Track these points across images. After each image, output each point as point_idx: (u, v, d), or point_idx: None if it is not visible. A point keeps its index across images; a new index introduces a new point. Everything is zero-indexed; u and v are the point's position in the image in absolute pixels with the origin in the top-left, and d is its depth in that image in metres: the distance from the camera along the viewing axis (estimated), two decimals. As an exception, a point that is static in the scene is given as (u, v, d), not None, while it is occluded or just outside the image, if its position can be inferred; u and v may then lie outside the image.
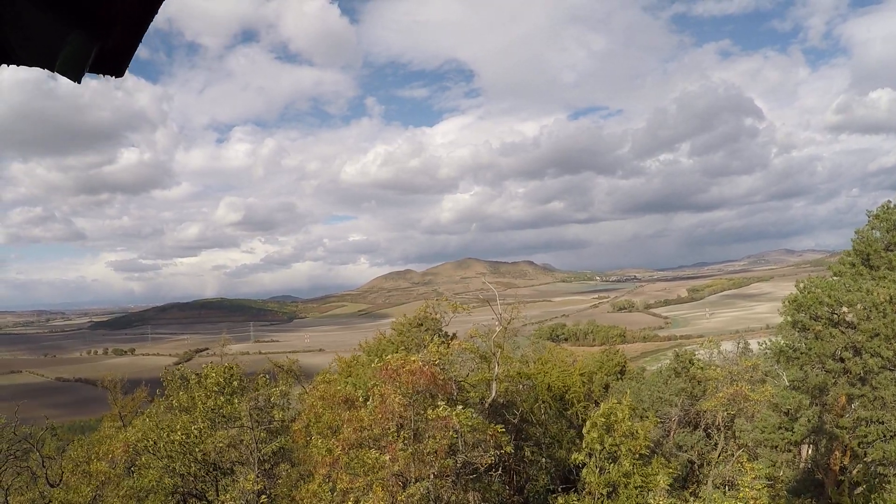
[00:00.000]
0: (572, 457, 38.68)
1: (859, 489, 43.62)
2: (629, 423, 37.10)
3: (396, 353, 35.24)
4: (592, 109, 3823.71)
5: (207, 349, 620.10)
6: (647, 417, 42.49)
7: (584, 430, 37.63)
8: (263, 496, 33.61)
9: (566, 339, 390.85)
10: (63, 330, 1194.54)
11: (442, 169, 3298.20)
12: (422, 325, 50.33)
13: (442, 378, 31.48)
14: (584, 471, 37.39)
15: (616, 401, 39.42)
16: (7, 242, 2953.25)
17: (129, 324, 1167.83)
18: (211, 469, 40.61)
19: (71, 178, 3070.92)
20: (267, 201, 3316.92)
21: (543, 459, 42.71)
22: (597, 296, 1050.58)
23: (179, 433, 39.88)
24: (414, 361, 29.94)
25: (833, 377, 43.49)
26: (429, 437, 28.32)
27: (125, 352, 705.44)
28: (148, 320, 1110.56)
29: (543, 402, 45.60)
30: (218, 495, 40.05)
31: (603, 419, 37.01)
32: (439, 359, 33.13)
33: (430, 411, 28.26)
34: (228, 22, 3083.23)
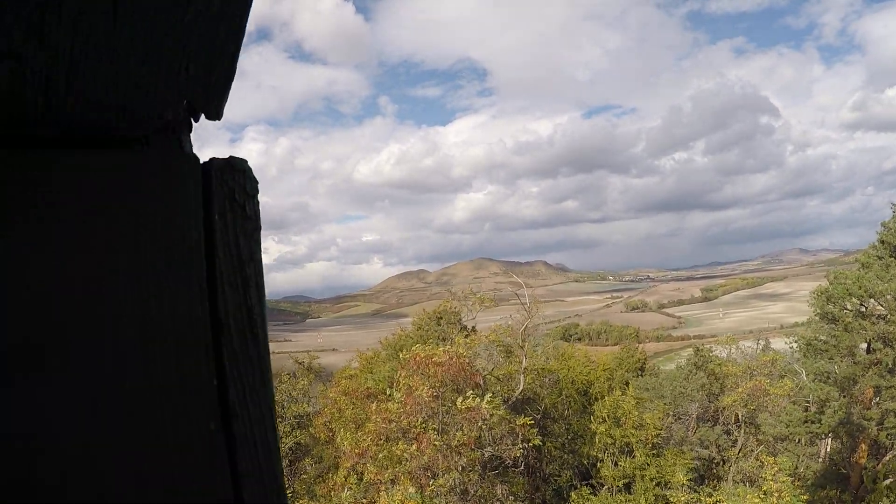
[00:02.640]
0: (586, 451, 38.61)
1: (887, 481, 43.32)
2: (636, 415, 37.00)
3: (414, 346, 35.22)
4: (606, 108, 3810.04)
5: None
6: (656, 409, 42.30)
7: (593, 425, 37.57)
8: (287, 490, 33.55)
9: (579, 339, 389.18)
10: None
11: (455, 168, 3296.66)
12: (441, 318, 50.16)
13: (469, 369, 31.34)
14: (600, 465, 37.33)
15: (620, 393, 39.36)
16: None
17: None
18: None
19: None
20: (280, 201, 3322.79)
21: (565, 455, 42.53)
22: (610, 296, 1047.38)
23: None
24: (442, 353, 29.82)
25: (862, 369, 43.27)
26: (457, 428, 28.17)
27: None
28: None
29: (567, 397, 45.38)
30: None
31: (608, 411, 36.96)
32: (466, 351, 33.01)
33: (459, 402, 28.07)
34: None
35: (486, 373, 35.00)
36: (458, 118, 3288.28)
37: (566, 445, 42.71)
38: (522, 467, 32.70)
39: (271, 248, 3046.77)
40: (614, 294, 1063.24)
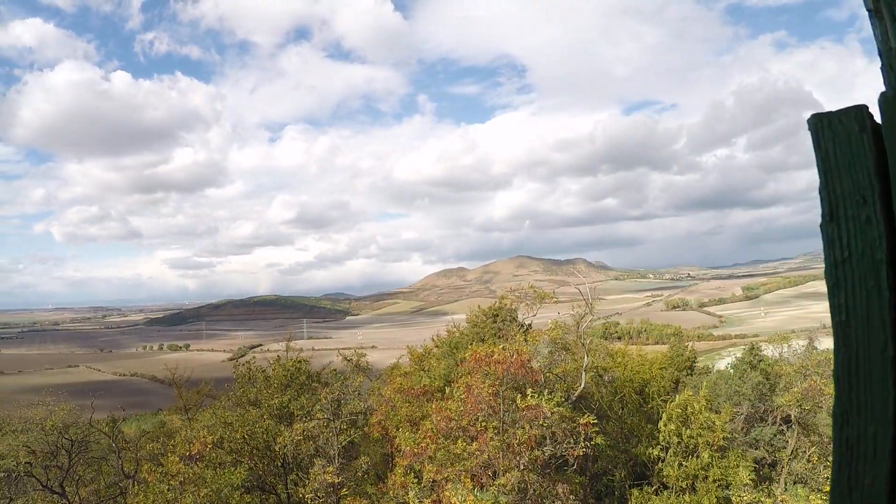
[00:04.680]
0: (648, 451, 38.09)
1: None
2: (706, 415, 36.46)
3: (472, 344, 34.96)
4: (646, 104, 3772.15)
5: (261, 345, 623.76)
6: (723, 410, 41.66)
7: (661, 424, 37.01)
8: (343, 489, 33.36)
9: (619, 338, 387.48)
10: (119, 326, 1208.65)
11: (495, 165, 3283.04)
12: (497, 316, 49.87)
13: (529, 367, 31.02)
14: (662, 464, 36.80)
15: (690, 393, 38.78)
16: (64, 241, 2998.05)
17: (183, 320, 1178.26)
18: (280, 463, 40.51)
19: (126, 177, 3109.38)
20: (320, 199, 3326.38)
21: (618, 454, 42.10)
22: (650, 294, 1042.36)
23: (240, 430, 39.91)
24: (502, 350, 29.54)
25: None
26: (518, 426, 27.86)
27: (180, 347, 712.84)
28: (202, 317, 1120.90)
29: (623, 395, 45.00)
30: (287, 489, 39.98)
31: (679, 410, 36.42)
32: (526, 348, 32.73)
33: (520, 400, 27.76)
34: (280, 20, 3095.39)
35: (545, 371, 34.65)
36: (498, 116, 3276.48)
37: (620, 444, 42.33)
38: (575, 466, 32.28)
39: (311, 246, 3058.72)
40: (654, 292, 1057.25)
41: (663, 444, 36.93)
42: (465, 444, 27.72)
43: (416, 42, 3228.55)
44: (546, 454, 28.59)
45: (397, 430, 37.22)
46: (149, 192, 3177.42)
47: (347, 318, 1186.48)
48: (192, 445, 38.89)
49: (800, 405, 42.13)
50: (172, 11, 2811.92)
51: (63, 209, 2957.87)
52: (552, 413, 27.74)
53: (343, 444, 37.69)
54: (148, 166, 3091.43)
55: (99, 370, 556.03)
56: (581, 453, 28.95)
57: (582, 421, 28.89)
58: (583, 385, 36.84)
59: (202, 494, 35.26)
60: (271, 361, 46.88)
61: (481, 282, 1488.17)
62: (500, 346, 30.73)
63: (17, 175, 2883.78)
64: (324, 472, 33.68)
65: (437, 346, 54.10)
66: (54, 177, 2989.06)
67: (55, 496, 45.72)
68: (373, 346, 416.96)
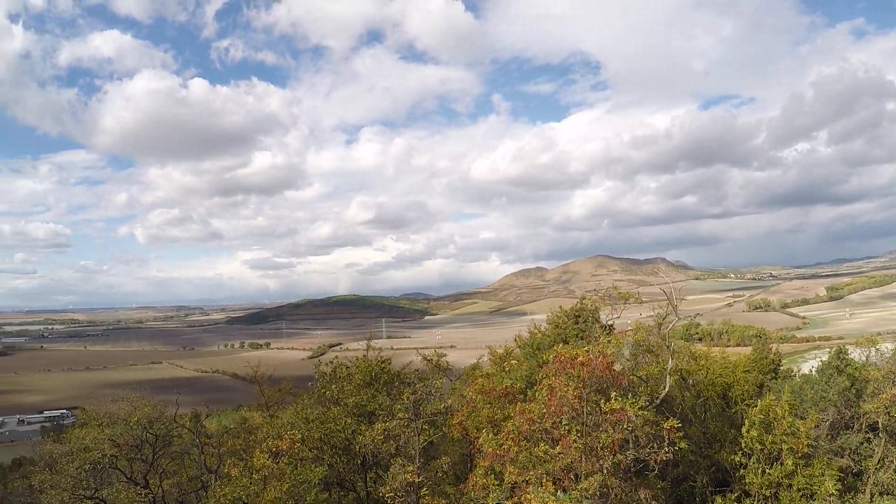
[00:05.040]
0: (730, 457, 37.30)
1: None
2: (790, 420, 35.63)
3: (555, 346, 34.61)
4: (724, 98, 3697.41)
5: (340, 344, 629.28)
6: (808, 416, 40.56)
7: (744, 430, 36.21)
8: (423, 489, 33.35)
9: (700, 339, 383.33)
10: (201, 324, 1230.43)
11: (572, 164, 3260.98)
12: (579, 317, 49.42)
13: (615, 369, 30.64)
14: (744, 471, 36.04)
15: (773, 398, 37.91)
16: (148, 243, 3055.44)
17: (264, 319, 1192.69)
18: (360, 461, 40.64)
19: (206, 181, 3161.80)
20: (398, 200, 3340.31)
21: (700, 459, 41.39)
22: (731, 294, 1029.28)
23: (320, 428, 40.13)
24: (586, 352, 29.23)
25: None
26: (602, 430, 27.54)
27: (260, 345, 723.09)
28: (283, 316, 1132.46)
29: (705, 399, 44.24)
30: (366, 487, 40.11)
31: (761, 416, 35.66)
32: (610, 350, 32.39)
33: (604, 403, 27.43)
34: (353, 23, 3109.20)
35: (629, 373, 34.23)
36: (573, 114, 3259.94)
37: (702, 449, 41.64)
38: (656, 471, 31.77)
39: (390, 247, 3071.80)
40: (736, 293, 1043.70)
41: (745, 450, 36.16)
42: (547, 446, 27.47)
43: (488, 41, 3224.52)
44: (629, 458, 28.21)
45: (478, 431, 37.07)
46: (229, 195, 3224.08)
47: (426, 317, 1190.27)
48: (280, 441, 39.22)
49: (888, 412, 40.99)
50: (246, 19, 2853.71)
51: (146, 212, 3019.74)
52: (636, 417, 27.36)
53: (423, 444, 37.68)
54: (227, 170, 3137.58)
55: (181, 367, 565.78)
56: (664, 458, 28.49)
57: (666, 425, 28.42)
58: (667, 388, 36.25)
59: (284, 489, 35.54)
60: (355, 360, 47.04)
61: (560, 282, 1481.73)
62: (584, 348, 30.39)
63: (101, 181, 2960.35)
64: (404, 472, 33.68)
65: (518, 347, 53.79)
66: (136, 181, 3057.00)
67: (139, 488, 46.46)
68: (451, 346, 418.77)
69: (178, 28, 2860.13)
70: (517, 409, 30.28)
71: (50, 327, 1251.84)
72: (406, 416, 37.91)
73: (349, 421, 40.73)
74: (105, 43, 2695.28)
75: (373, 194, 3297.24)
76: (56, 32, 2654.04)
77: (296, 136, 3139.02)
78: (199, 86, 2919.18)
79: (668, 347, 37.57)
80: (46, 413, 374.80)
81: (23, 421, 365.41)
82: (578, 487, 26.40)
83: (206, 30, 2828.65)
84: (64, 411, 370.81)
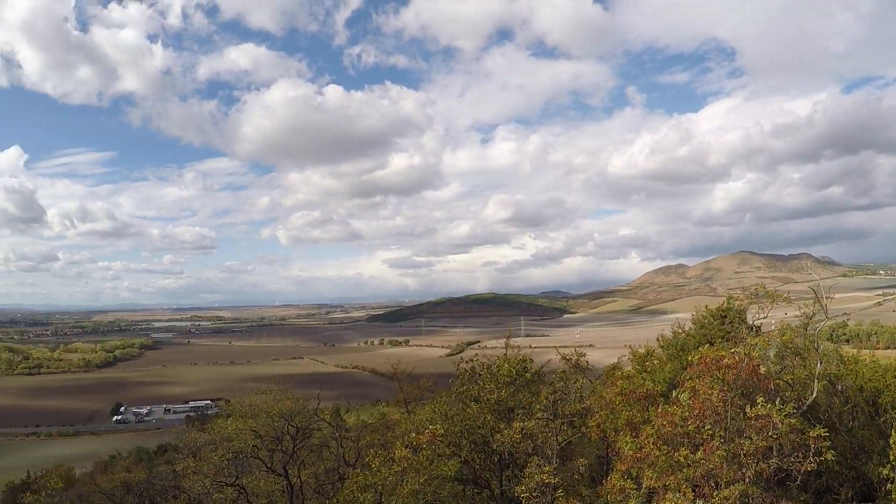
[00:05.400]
0: (878, 470, 35.62)
1: None
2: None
3: (700, 347, 33.69)
4: (868, 80, 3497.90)
5: (478, 342, 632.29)
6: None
7: (891, 440, 34.55)
8: (559, 490, 32.91)
9: (847, 341, 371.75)
10: (342, 322, 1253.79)
11: (711, 156, 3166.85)
12: (725, 317, 48.20)
13: (761, 373, 29.56)
14: (891, 486, 34.40)
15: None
16: (290, 244, 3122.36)
17: (403, 317, 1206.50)
18: (496, 460, 40.44)
19: (345, 183, 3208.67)
20: (535, 197, 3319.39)
21: (844, 470, 39.71)
22: (881, 292, 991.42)
23: (460, 425, 40.08)
24: (731, 354, 28.30)
25: None
26: (745, 436, 26.56)
27: (399, 343, 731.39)
28: (422, 314, 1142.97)
29: (853, 406, 42.46)
30: (501, 486, 39.86)
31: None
32: (757, 353, 31.38)
33: (749, 408, 26.45)
34: (482, 23, 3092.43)
35: (775, 377, 33.00)
36: (710, 103, 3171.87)
37: (848, 460, 39.98)
38: (798, 481, 30.52)
39: (528, 245, 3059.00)
40: (886, 291, 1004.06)
41: (894, 462, 34.45)
42: (687, 451, 26.66)
43: (618, 33, 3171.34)
44: (771, 467, 27.12)
45: (616, 433, 36.40)
46: (368, 197, 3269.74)
47: (564, 316, 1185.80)
48: (420, 436, 39.39)
49: None
50: (376, 24, 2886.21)
51: (287, 215, 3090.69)
52: (782, 424, 26.29)
53: (561, 444, 37.26)
54: (366, 172, 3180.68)
55: (322, 362, 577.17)
56: (809, 468, 27.27)
57: (812, 434, 27.15)
58: (814, 394, 34.81)
59: (421, 481, 35.69)
60: (497, 359, 46.85)
61: (702, 279, 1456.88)
62: (731, 350, 29.44)
63: (244, 186, 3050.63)
64: (540, 472, 33.31)
65: (661, 347, 52.81)
66: (277, 186, 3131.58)
67: (277, 477, 47.34)
68: (590, 345, 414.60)
69: (311, 38, 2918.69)
70: (658, 412, 29.52)
71: (197, 324, 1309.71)
72: (544, 415, 37.56)
73: (489, 418, 40.60)
74: (241, 56, 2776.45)
75: (510, 192, 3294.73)
76: (194, 49, 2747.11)
77: (431, 137, 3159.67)
78: (334, 92, 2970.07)
79: (816, 350, 36.05)
80: (191, 403, 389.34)
81: (169, 410, 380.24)
82: (718, 495, 25.52)
83: (338, 38, 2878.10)
84: (208, 402, 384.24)
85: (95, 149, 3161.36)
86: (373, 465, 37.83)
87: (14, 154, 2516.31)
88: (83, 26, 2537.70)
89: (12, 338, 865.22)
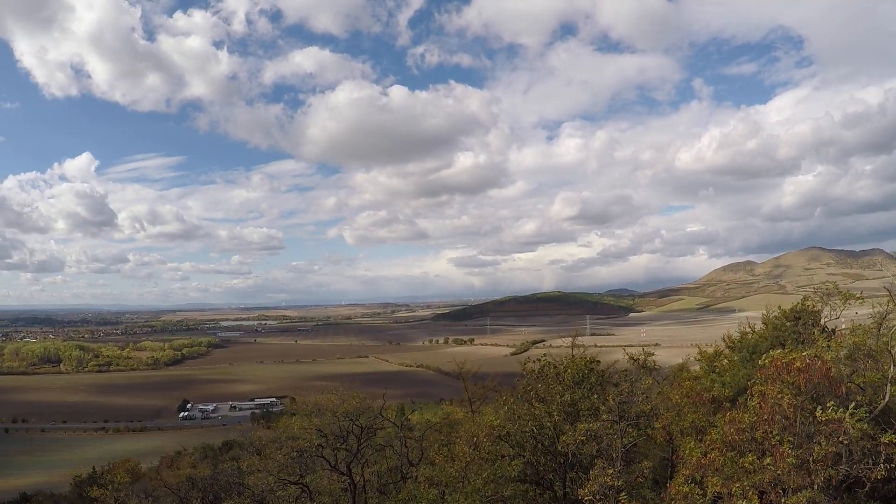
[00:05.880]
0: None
1: None
2: None
3: (771, 350, 32.97)
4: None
5: (544, 340, 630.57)
6: None
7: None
8: (623, 493, 32.49)
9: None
10: (407, 321, 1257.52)
11: (780, 149, 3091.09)
12: (799, 319, 47.32)
13: (834, 376, 28.75)
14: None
15: None
16: (356, 243, 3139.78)
17: (469, 316, 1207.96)
18: (561, 461, 40.12)
19: (411, 183, 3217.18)
20: (601, 194, 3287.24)
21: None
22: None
23: (530, 424, 39.81)
24: (802, 357, 27.60)
25: None
26: (815, 442, 25.88)
27: (465, 341, 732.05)
28: (487, 312, 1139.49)
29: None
30: (564, 487, 39.53)
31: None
32: (830, 355, 30.64)
33: (819, 412, 25.72)
34: (545, 19, 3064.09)
35: (847, 380, 32.18)
36: (778, 94, 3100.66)
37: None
38: (867, 489, 29.68)
39: (595, 243, 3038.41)
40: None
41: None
42: (754, 457, 26.07)
43: (683, 24, 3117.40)
44: (841, 474, 26.37)
45: (682, 436, 35.94)
46: (434, 196, 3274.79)
47: (630, 314, 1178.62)
48: (479, 432, 39.30)
49: None
50: (438, 24, 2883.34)
51: (353, 215, 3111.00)
52: (853, 428, 25.55)
53: (626, 446, 36.84)
54: (431, 171, 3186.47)
55: (387, 361, 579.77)
56: (879, 476, 26.46)
57: (884, 440, 26.30)
58: (887, 398, 33.81)
59: (483, 477, 35.62)
60: (564, 359, 46.50)
61: (771, 276, 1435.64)
62: (803, 353, 28.66)
63: (310, 187, 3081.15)
64: (604, 474, 32.95)
65: (729, 347, 52.07)
66: (343, 186, 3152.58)
67: (341, 476, 47.51)
68: (656, 344, 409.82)
69: (374, 39, 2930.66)
70: (725, 416, 28.97)
71: (263, 323, 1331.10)
72: (610, 417, 37.18)
73: (556, 419, 40.31)
74: (305, 60, 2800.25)
75: (576, 190, 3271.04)
76: (258, 54, 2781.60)
77: (497, 136, 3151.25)
78: (398, 92, 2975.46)
79: (889, 351, 34.91)
80: (257, 400, 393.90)
81: (235, 407, 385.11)
82: (786, 502, 24.92)
83: (401, 38, 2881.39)
84: (273, 399, 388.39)
85: (164, 153, 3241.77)
86: (436, 462, 37.83)
87: (85, 160, 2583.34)
88: (150, 35, 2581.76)
89: (83, 336, 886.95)
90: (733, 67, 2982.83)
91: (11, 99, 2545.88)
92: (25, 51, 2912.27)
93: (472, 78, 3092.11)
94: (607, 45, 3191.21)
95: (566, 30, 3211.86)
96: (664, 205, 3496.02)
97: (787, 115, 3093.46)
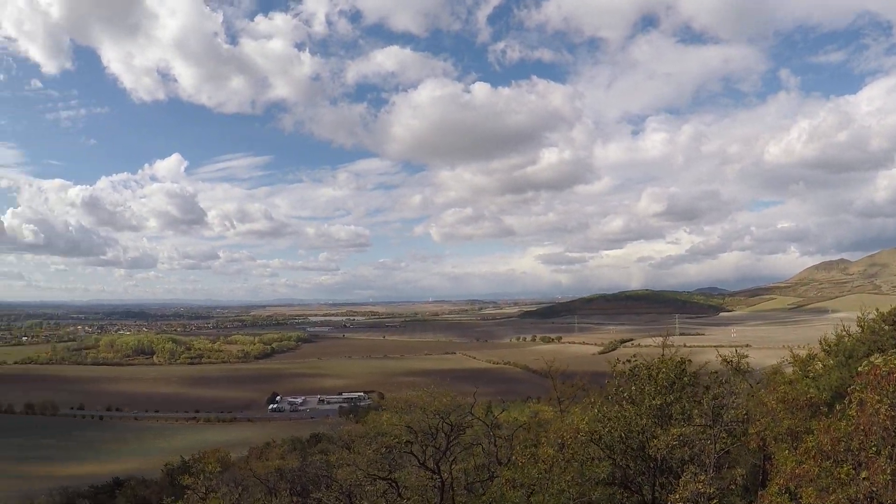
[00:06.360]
0: None
1: None
2: None
3: (869, 354, 32.41)
4: None
5: (632, 340, 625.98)
6: None
7: None
8: (714, 500, 32.14)
9: None
10: (494, 318, 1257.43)
11: (873, 140, 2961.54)
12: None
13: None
14: None
15: None
16: (442, 240, 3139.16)
17: (556, 313, 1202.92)
18: (651, 466, 39.83)
19: (496, 179, 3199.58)
20: (689, 190, 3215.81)
21: None
22: None
23: (620, 428, 39.54)
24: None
25: None
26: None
27: (552, 339, 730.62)
28: (574, 310, 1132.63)
29: None
30: (653, 492, 39.23)
31: None
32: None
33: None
34: (626, 11, 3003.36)
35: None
36: (869, 83, 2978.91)
37: None
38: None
39: (683, 240, 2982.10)
40: None
41: None
42: (850, 468, 25.48)
43: (768, 12, 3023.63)
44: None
45: (776, 442, 35.43)
46: (519, 193, 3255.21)
47: (720, 314, 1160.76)
48: (563, 435, 39.23)
49: None
50: (518, 20, 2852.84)
51: (439, 212, 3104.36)
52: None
53: (719, 452, 36.43)
54: (516, 168, 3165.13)
55: (474, 358, 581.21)
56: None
57: None
58: None
59: (566, 480, 35.55)
60: (656, 360, 46.14)
61: (865, 276, 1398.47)
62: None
63: (395, 185, 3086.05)
64: (695, 481, 32.59)
65: (824, 350, 51.07)
66: (429, 184, 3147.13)
67: (429, 473, 47.83)
68: (746, 345, 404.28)
69: (454, 37, 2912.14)
70: (821, 424, 28.37)
71: (351, 318, 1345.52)
72: (703, 421, 36.81)
73: (648, 422, 40.04)
74: (387, 59, 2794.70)
75: (663, 185, 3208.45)
76: (340, 54, 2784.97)
77: (581, 131, 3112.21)
78: (481, 89, 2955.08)
79: None
80: (345, 395, 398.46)
81: (323, 401, 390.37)
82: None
83: (481, 35, 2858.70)
84: (361, 394, 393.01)
85: (252, 153, 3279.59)
86: (520, 463, 37.89)
87: (175, 161, 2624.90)
88: (232, 39, 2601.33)
89: (176, 330, 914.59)
90: (820, 56, 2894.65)
91: (101, 104, 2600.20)
92: (113, 58, 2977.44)
93: (554, 73, 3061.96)
94: (690, 36, 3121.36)
95: (647, 22, 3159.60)
96: (753, 200, 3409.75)
97: (879, 105, 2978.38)
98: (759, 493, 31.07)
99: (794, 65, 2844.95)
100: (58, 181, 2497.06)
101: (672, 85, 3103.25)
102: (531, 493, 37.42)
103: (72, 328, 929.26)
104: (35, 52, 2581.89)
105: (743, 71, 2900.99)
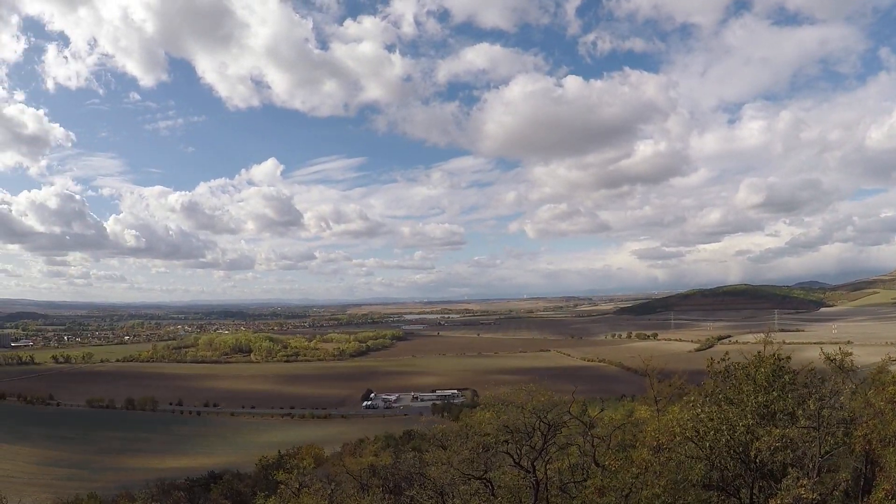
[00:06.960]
0: None
1: None
2: None
3: None
4: None
5: (729, 336, 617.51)
6: None
7: None
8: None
9: None
10: (589, 315, 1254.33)
11: None
12: None
13: None
14: None
15: None
16: (537, 237, 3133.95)
17: (652, 310, 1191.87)
18: (751, 468, 38.89)
19: (591, 174, 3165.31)
20: (788, 179, 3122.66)
21: None
22: None
23: (726, 431, 38.55)
24: None
25: None
26: None
27: (648, 336, 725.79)
28: (671, 306, 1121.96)
29: None
30: (752, 497, 38.30)
31: None
32: None
33: None
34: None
35: None
36: None
37: None
38: None
39: (782, 231, 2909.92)
40: None
41: None
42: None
43: None
44: None
45: (883, 445, 34.30)
46: (614, 187, 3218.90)
47: (821, 309, 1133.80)
48: (661, 435, 38.65)
49: None
50: (607, 10, 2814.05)
51: (533, 208, 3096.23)
52: None
53: (823, 455, 35.43)
54: (611, 162, 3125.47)
55: (568, 355, 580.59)
56: None
57: None
58: None
59: (661, 484, 34.97)
60: (753, 358, 45.03)
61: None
62: None
63: (490, 182, 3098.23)
64: (797, 485, 31.65)
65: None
66: (523, 180, 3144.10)
67: (523, 473, 47.58)
68: (848, 342, 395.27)
69: (544, 31, 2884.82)
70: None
71: (446, 316, 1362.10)
72: (808, 423, 35.81)
73: (750, 423, 39.03)
74: (477, 56, 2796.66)
75: (761, 175, 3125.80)
76: (430, 54, 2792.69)
77: (676, 122, 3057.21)
78: (573, 83, 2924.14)
79: None
80: (438, 392, 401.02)
81: (416, 398, 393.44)
82: None
83: (570, 28, 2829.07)
84: (454, 391, 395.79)
85: (346, 155, 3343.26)
86: (611, 467, 37.40)
87: (271, 165, 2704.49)
88: (323, 44, 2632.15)
89: (272, 329, 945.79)
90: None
91: (198, 113, 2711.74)
92: (207, 68, 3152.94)
93: (647, 63, 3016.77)
94: (784, 17, 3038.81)
95: (740, 4, 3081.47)
96: (856, 188, 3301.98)
97: None
98: (864, 499, 30.14)
99: (894, 43, 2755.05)
100: (158, 188, 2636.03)
101: (768, 70, 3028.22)
102: (626, 496, 36.86)
103: (172, 328, 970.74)
104: (132, 66, 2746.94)
105: (841, 52, 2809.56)
